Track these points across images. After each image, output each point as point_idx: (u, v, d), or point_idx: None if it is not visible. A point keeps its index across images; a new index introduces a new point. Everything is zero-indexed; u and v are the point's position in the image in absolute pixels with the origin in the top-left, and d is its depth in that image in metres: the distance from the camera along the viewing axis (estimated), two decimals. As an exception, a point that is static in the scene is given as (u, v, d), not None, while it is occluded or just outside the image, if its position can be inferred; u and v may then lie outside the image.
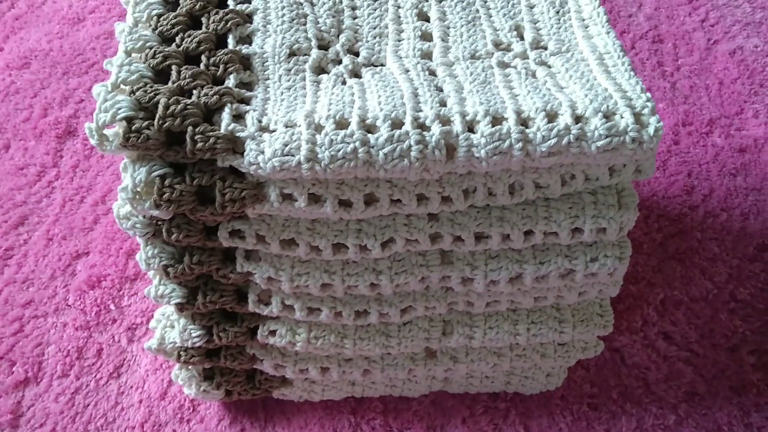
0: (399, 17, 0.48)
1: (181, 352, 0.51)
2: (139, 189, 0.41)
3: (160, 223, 0.44)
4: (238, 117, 0.42)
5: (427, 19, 0.48)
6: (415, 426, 0.57)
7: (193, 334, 0.49)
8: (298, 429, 0.57)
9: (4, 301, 0.64)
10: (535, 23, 0.47)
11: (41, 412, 0.58)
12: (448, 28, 0.48)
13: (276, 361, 0.52)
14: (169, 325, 0.52)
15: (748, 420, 0.57)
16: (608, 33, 0.46)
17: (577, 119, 0.40)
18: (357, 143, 0.39)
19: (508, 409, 0.57)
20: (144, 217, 0.44)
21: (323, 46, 0.47)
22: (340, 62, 0.46)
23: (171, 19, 0.45)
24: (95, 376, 0.60)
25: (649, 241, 0.67)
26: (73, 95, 0.81)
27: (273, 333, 0.49)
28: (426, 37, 0.47)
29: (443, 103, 0.42)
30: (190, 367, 0.54)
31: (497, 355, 0.52)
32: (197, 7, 0.46)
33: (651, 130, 0.39)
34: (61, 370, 0.60)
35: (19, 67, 0.84)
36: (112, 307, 0.63)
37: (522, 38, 0.47)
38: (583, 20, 0.47)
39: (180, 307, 0.48)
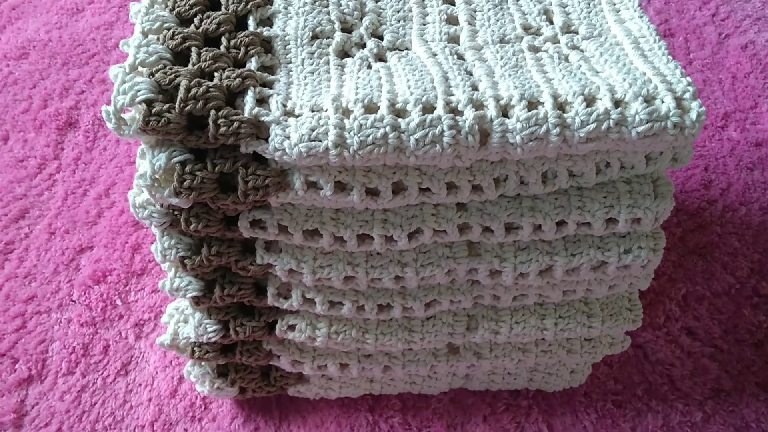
0: (423, 1, 0.47)
1: (195, 348, 0.49)
2: (157, 176, 0.39)
3: (177, 212, 0.42)
4: (262, 101, 0.40)
5: (452, 3, 0.47)
6: (434, 424, 0.55)
7: (209, 329, 0.47)
8: (314, 427, 0.55)
9: (5, 296, 0.62)
10: (564, 7, 0.46)
11: (46, 411, 0.56)
12: (475, 11, 0.46)
13: (294, 357, 0.50)
14: (182, 319, 0.50)
15: (776, 417, 0.56)
16: (641, 17, 0.44)
17: (617, 103, 0.38)
18: (387, 128, 0.38)
19: (531, 407, 0.56)
20: (161, 205, 0.42)
21: (346, 29, 0.45)
22: (364, 46, 0.44)
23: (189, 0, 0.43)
24: (102, 373, 0.58)
25: (668, 236, 0.65)
26: (73, 86, 0.79)
27: (292, 328, 0.48)
28: (452, 20, 0.46)
29: (475, 87, 0.40)
30: (203, 363, 0.52)
31: (522, 351, 0.50)
32: (216, -13, 0.44)
33: (693, 115, 0.38)
34: (66, 368, 0.58)
35: (17, 58, 0.81)
36: (118, 302, 0.61)
37: (551, 22, 0.45)
38: (614, 4, 0.46)
39: (196, 301, 0.46)
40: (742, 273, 0.63)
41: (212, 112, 0.38)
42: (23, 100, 0.77)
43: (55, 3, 0.88)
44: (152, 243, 0.64)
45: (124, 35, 0.85)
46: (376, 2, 0.47)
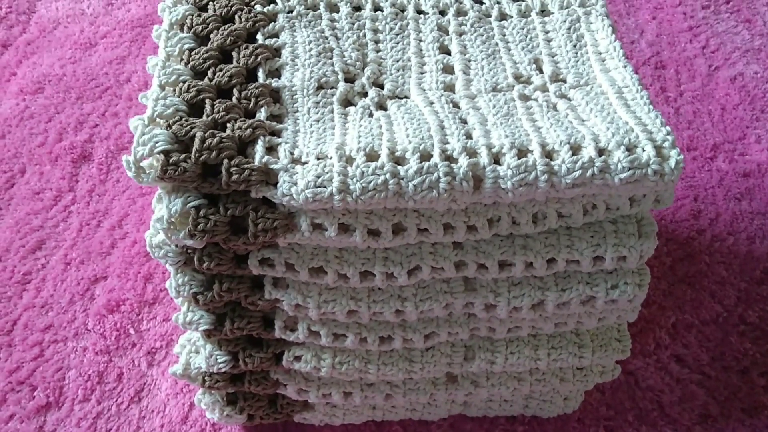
0: (421, 51, 0.50)
1: (206, 377, 0.52)
2: (174, 219, 0.42)
3: (191, 251, 0.45)
4: (270, 149, 0.43)
5: (449, 53, 0.50)
6: (434, 449, 0.58)
7: (219, 360, 0.50)
8: (319, 453, 0.57)
9: (24, 325, 0.65)
10: (553, 56, 0.49)
11: (64, 437, 0.58)
12: (469, 61, 0.49)
13: (300, 385, 0.53)
14: (194, 350, 0.52)
15: (761, 442, 0.58)
16: (625, 67, 0.47)
17: (601, 152, 0.41)
18: (387, 175, 0.41)
19: (526, 432, 0.58)
20: (176, 246, 0.45)
21: (349, 79, 0.48)
22: (366, 95, 0.47)
23: (203, 54, 0.46)
24: (116, 400, 0.60)
25: (658, 265, 0.68)
26: (87, 120, 0.82)
27: (298, 358, 0.50)
28: (448, 70, 0.49)
29: (469, 136, 0.43)
30: (213, 391, 0.54)
31: (517, 380, 0.53)
32: (228, 41, 0.47)
33: (672, 162, 0.41)
34: (82, 395, 0.60)
35: (33, 92, 0.85)
36: (131, 331, 0.64)
37: (541, 71, 0.48)
38: (600, 54, 0.49)
39: (208, 333, 0.49)
40: (730, 301, 0.66)
41: (225, 161, 0.41)
42: (39, 134, 0.80)
43: (69, 38, 0.92)
44: (164, 273, 0.67)
45: (136, 69, 0.88)
46: (377, 53, 0.50)
